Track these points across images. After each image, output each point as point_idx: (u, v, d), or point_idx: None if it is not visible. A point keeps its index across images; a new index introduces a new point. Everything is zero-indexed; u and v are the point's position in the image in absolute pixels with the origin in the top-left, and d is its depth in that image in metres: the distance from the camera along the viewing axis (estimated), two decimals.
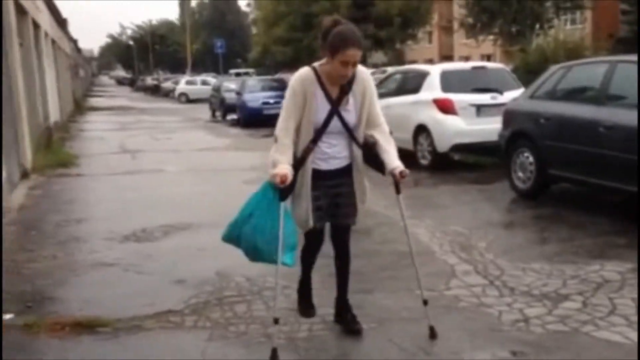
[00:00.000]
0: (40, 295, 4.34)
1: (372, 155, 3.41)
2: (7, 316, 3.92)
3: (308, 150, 3.31)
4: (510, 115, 7.28)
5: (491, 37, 25.83)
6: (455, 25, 29.28)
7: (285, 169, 3.14)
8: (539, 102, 6.84)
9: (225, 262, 4.75)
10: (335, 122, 3.31)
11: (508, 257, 4.86)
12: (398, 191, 3.46)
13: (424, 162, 9.21)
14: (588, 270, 4.49)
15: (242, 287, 4.36)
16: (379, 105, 3.45)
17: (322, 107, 3.28)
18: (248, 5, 54.89)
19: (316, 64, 3.34)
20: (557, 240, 5.35)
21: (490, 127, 8.05)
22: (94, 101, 36.15)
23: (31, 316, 3.93)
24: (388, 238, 5.57)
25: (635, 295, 3.97)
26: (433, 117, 8.98)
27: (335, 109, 3.30)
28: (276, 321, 3.30)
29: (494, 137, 7.64)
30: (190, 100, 34.31)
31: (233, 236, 3.33)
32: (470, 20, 26.00)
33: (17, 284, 4.57)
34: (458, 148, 9.00)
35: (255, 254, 3.28)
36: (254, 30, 54.59)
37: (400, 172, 3.32)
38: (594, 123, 5.79)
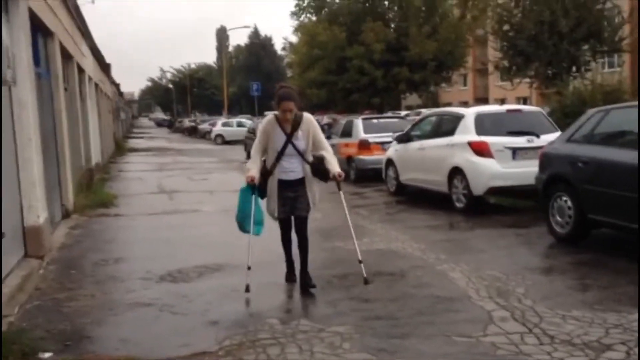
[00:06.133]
0: (79, 334, 4.41)
1: (320, 167, 5.18)
2: (45, 355, 3.99)
3: (273, 166, 5.17)
4: (547, 159, 7.21)
5: (527, 79, 25.63)
6: (490, 67, 29.22)
7: (253, 172, 5.13)
8: (576, 146, 6.77)
9: (259, 304, 4.76)
10: (289, 148, 5.11)
11: (547, 304, 4.75)
12: (339, 188, 5.35)
13: (459, 205, 9.14)
14: (631, 319, 4.35)
15: (276, 330, 4.36)
16: (324, 136, 5.35)
17: (280, 138, 5.11)
18: (283, 49, 56.08)
19: (276, 112, 5.11)
20: (598, 287, 5.21)
21: (527, 170, 7.97)
22: (133, 142, 37.10)
23: (69, 355, 4.00)
24: (423, 282, 5.51)
25: None
26: (468, 160, 8.95)
27: (289, 139, 5.11)
28: (247, 288, 5.06)
29: (530, 181, 7.56)
30: (226, 142, 34.92)
31: (239, 218, 5.38)
32: (505, 63, 25.90)
33: (56, 322, 4.66)
34: (494, 191, 8.94)
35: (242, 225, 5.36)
36: (289, 73, 55.58)
37: (338, 174, 5.15)
38: (634, 168, 5.69)
